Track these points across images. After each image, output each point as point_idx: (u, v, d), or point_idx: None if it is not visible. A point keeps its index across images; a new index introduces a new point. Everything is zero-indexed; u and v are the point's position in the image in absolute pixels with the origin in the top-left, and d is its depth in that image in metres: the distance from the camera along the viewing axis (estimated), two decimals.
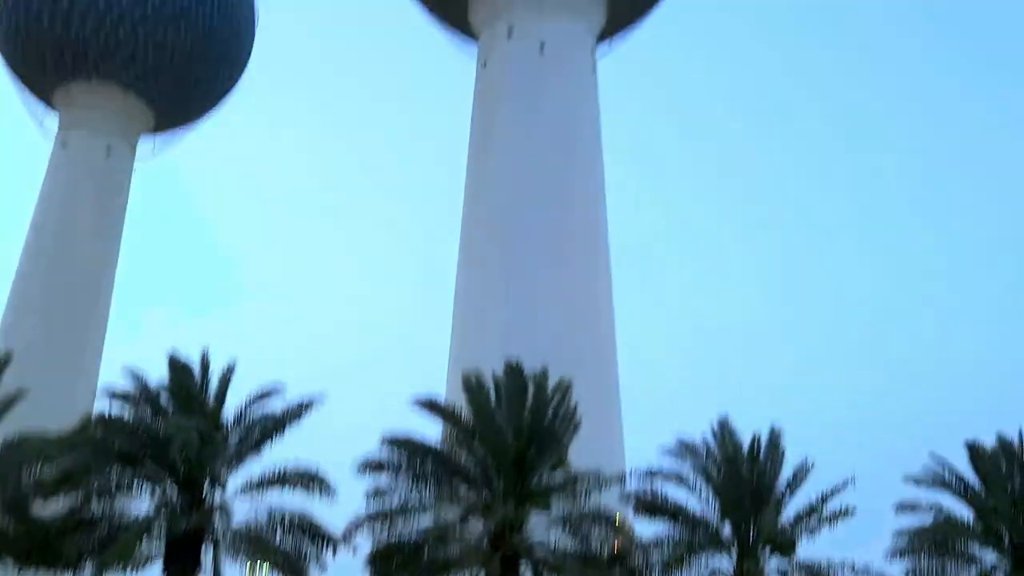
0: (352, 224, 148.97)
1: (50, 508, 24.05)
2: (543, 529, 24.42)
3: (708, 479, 25.07)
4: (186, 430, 23.19)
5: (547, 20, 43.88)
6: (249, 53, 59.43)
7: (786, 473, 24.92)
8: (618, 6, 46.69)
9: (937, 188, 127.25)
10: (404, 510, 24.16)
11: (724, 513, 24.89)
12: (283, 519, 23.97)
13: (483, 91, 44.90)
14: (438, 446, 25.08)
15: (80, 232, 53.35)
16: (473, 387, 24.95)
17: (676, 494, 25.28)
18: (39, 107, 57.38)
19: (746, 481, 24.56)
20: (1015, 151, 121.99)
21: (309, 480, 24.00)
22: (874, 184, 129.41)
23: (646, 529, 25.55)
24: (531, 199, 41.41)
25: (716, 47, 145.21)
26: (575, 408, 25.17)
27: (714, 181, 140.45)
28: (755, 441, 24.86)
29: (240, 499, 24.25)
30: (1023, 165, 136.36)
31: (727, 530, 24.89)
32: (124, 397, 24.97)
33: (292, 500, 24.17)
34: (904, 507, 25.42)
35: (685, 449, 25.18)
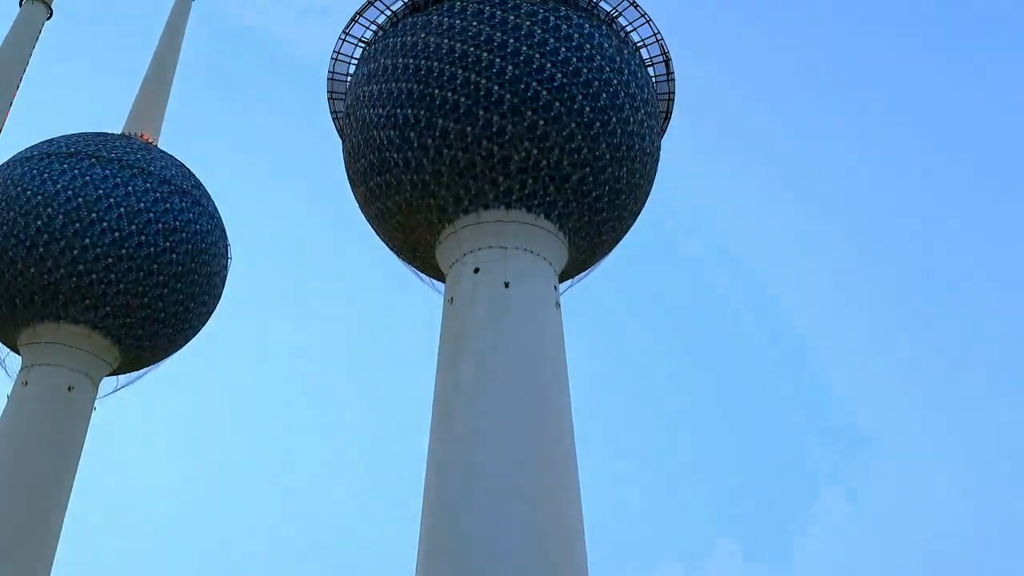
0: (317, 460, 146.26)
1: None
2: None
3: None
4: None
5: (511, 261, 45.91)
6: (220, 294, 60.77)
7: None
8: (579, 250, 49.30)
9: None
10: None
11: None
12: None
13: (449, 327, 45.99)
14: None
15: (32, 473, 51.63)
16: None
17: None
18: (1, 347, 57.32)
19: None
20: None
21: None
22: None
23: None
24: (498, 435, 41.19)
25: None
26: None
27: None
28: None
29: None
30: None
31: None
32: None
33: None
34: None
35: None
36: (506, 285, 44.93)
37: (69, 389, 54.65)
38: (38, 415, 53.46)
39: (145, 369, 59.74)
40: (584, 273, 51.54)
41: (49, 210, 55.00)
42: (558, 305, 46.75)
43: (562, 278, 48.95)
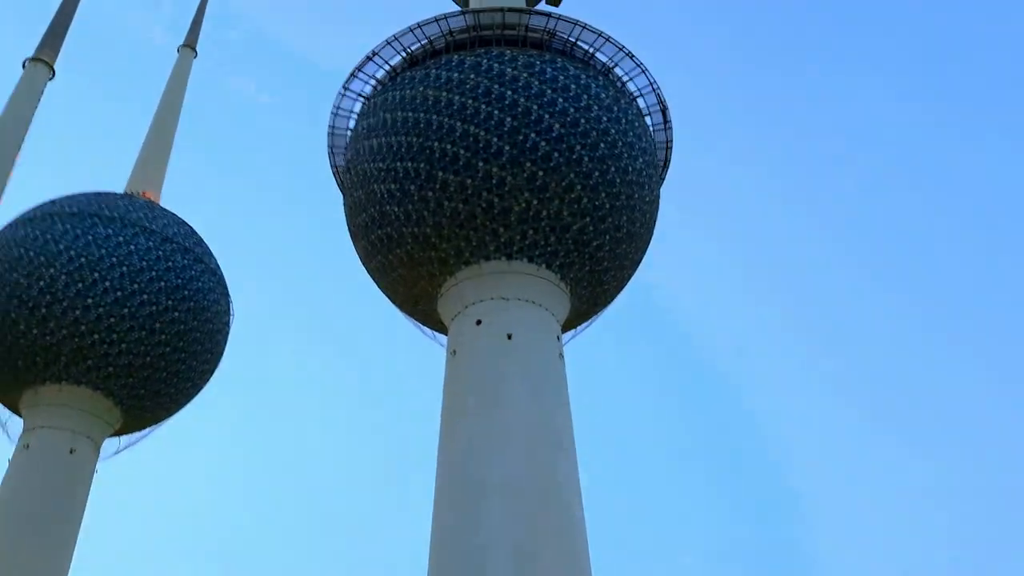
0: (321, 509, 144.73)
1: None
2: None
3: None
4: None
5: (513, 312, 45.60)
6: (222, 351, 60.49)
7: None
8: (580, 300, 49.04)
9: None
10: None
11: None
12: None
13: (452, 380, 45.54)
14: None
15: (33, 540, 50.86)
16: None
17: None
18: (3, 410, 56.88)
19: None
20: None
21: None
22: None
23: None
24: (504, 491, 40.52)
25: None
26: None
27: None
28: None
29: None
30: None
31: None
32: None
33: None
34: None
35: None
36: (509, 337, 44.55)
37: (71, 452, 54.09)
38: (40, 480, 52.79)
39: (148, 429, 59.28)
40: (587, 323, 51.21)
41: (52, 271, 54.98)
42: (561, 356, 46.34)
43: (564, 328, 48.61)
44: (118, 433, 57.39)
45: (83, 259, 55.37)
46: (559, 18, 49.91)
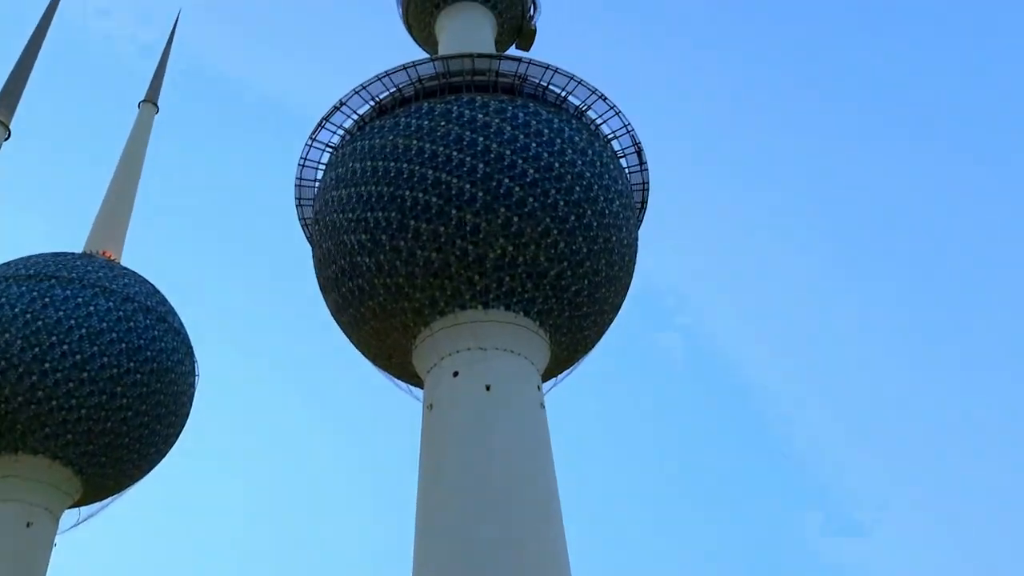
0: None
1: None
2: None
3: None
4: None
5: (492, 362, 44.16)
6: (188, 414, 58.20)
7: None
8: (560, 348, 47.70)
9: None
10: None
11: None
12: None
13: (430, 434, 43.87)
14: None
15: None
16: None
17: None
18: None
19: None
20: None
21: None
22: None
23: None
24: (486, 547, 38.77)
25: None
26: None
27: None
28: None
29: None
30: None
31: None
32: None
33: None
34: None
35: None
36: (487, 388, 42.99)
37: (28, 525, 51.29)
38: None
39: (109, 499, 56.60)
40: (567, 371, 49.83)
41: (7, 335, 52.71)
42: (542, 406, 44.79)
43: (545, 377, 47.15)
44: (78, 504, 54.67)
45: (40, 322, 53.15)
46: (530, 62, 49.38)
